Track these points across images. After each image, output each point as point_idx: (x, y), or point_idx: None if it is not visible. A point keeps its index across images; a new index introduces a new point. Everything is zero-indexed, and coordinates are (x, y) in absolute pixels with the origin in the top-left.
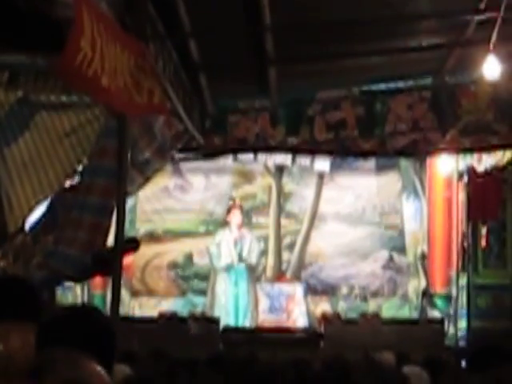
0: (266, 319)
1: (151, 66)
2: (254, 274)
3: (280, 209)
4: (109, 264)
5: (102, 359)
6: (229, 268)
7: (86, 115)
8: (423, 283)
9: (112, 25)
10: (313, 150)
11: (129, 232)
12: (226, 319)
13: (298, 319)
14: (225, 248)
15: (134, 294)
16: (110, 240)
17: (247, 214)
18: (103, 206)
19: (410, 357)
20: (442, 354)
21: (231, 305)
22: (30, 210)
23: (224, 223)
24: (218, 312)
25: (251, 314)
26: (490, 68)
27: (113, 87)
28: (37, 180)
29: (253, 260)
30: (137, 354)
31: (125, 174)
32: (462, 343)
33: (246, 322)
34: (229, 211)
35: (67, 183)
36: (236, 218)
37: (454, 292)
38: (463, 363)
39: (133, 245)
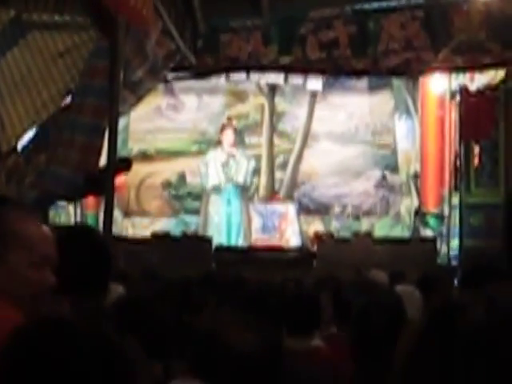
0: (258, 238)
1: None
2: (246, 193)
3: (273, 128)
4: (101, 184)
5: (98, 278)
6: (221, 187)
7: (81, 36)
8: (416, 202)
9: None
10: (305, 68)
11: (121, 152)
12: (219, 238)
13: (291, 238)
14: (216, 167)
15: (127, 213)
16: (103, 160)
17: (240, 134)
18: (95, 126)
19: (403, 275)
20: (434, 273)
21: (224, 224)
22: (24, 130)
23: (216, 143)
24: (211, 231)
25: (244, 233)
26: None
27: None
28: (30, 100)
29: (245, 179)
30: (129, 274)
31: (117, 93)
32: (454, 262)
33: (239, 241)
34: (222, 130)
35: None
36: (229, 137)
37: (446, 211)
38: (455, 282)
39: (125, 164)
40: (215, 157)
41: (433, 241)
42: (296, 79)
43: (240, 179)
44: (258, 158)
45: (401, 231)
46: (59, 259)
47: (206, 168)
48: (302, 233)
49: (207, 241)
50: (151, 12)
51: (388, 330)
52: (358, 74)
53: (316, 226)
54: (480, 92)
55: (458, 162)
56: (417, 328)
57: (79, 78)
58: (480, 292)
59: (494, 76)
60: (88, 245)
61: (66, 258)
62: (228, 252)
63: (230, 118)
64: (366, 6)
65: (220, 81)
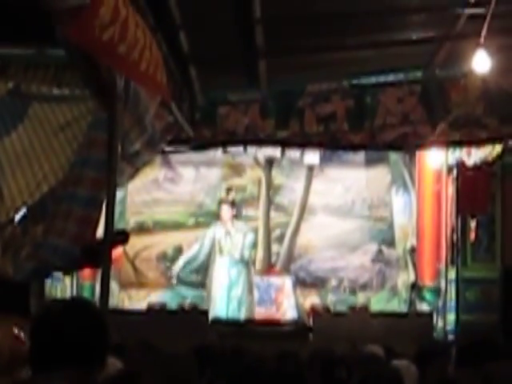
0: (255, 311)
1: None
2: (247, 265)
3: (269, 201)
4: (98, 256)
5: (96, 352)
6: (223, 261)
7: (79, 108)
8: (412, 276)
9: None
10: (302, 142)
11: (118, 223)
12: (221, 311)
13: (287, 311)
14: (217, 241)
15: (124, 285)
16: (100, 232)
17: (237, 207)
18: (93, 198)
19: (399, 350)
20: (430, 348)
21: (225, 297)
22: (24, 202)
23: (213, 215)
24: (212, 305)
25: (246, 306)
26: (480, 62)
27: (131, 58)
28: (31, 173)
29: (242, 254)
30: (126, 347)
31: (115, 166)
32: (450, 337)
33: (240, 314)
34: (220, 204)
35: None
36: (226, 211)
37: (442, 285)
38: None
39: (122, 237)
40: (217, 231)
41: (429, 315)
42: (293, 153)
43: (236, 255)
44: (254, 231)
45: (398, 305)
46: (56, 333)
47: (209, 242)
48: (298, 306)
49: (203, 313)
50: (164, 78)
51: None
52: (355, 148)
53: (312, 299)
54: (477, 167)
55: (454, 237)
56: None
57: (77, 149)
58: (477, 370)
59: (490, 151)
60: (85, 318)
61: (62, 332)
62: (224, 325)
63: (229, 190)
64: (364, 81)
65: (217, 153)
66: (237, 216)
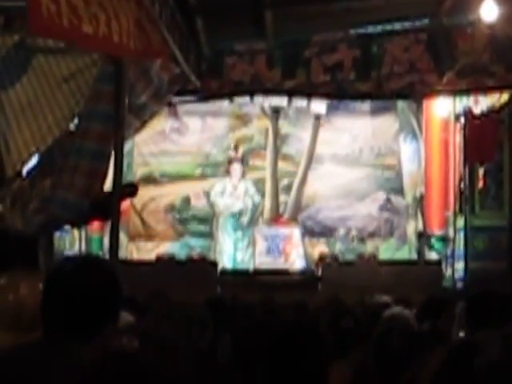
0: (263, 261)
1: (148, 10)
2: (252, 217)
3: (277, 151)
4: (106, 209)
5: (109, 309)
6: (228, 213)
7: (84, 60)
8: (421, 225)
9: None
10: (309, 92)
11: (126, 175)
12: (226, 262)
13: (296, 261)
14: (226, 196)
15: (132, 237)
16: (108, 184)
17: (244, 157)
18: (100, 151)
19: (407, 298)
20: (439, 296)
21: (231, 248)
22: (30, 155)
23: (220, 166)
24: (218, 255)
25: (249, 257)
26: (487, 10)
27: (100, 33)
28: (36, 125)
29: (251, 205)
30: (136, 298)
31: (122, 118)
32: (459, 284)
33: (244, 265)
34: (229, 162)
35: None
36: (237, 171)
37: (451, 233)
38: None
39: (130, 190)
40: (226, 186)
41: (438, 263)
42: (300, 102)
43: (246, 205)
44: (262, 181)
45: (408, 253)
46: (68, 291)
47: (218, 197)
48: (306, 255)
49: (212, 264)
50: (158, 38)
51: (407, 352)
52: (362, 97)
53: (321, 248)
54: (484, 114)
55: (462, 185)
56: (434, 366)
57: (84, 103)
58: (495, 331)
59: (497, 98)
60: (98, 276)
61: (75, 290)
62: (233, 275)
63: (237, 147)
64: (370, 30)
65: (224, 103)
66: (245, 172)
